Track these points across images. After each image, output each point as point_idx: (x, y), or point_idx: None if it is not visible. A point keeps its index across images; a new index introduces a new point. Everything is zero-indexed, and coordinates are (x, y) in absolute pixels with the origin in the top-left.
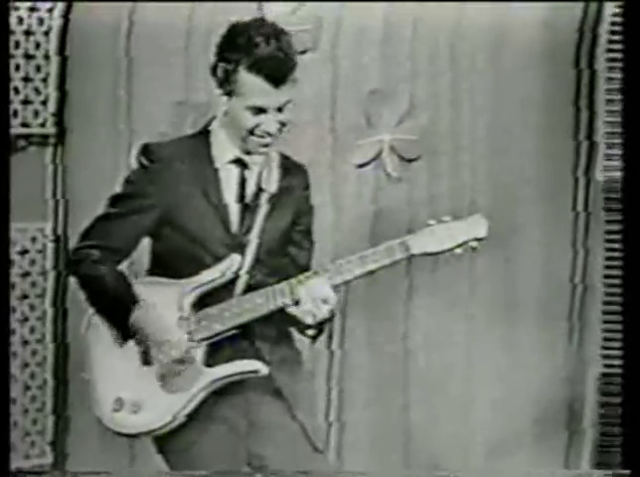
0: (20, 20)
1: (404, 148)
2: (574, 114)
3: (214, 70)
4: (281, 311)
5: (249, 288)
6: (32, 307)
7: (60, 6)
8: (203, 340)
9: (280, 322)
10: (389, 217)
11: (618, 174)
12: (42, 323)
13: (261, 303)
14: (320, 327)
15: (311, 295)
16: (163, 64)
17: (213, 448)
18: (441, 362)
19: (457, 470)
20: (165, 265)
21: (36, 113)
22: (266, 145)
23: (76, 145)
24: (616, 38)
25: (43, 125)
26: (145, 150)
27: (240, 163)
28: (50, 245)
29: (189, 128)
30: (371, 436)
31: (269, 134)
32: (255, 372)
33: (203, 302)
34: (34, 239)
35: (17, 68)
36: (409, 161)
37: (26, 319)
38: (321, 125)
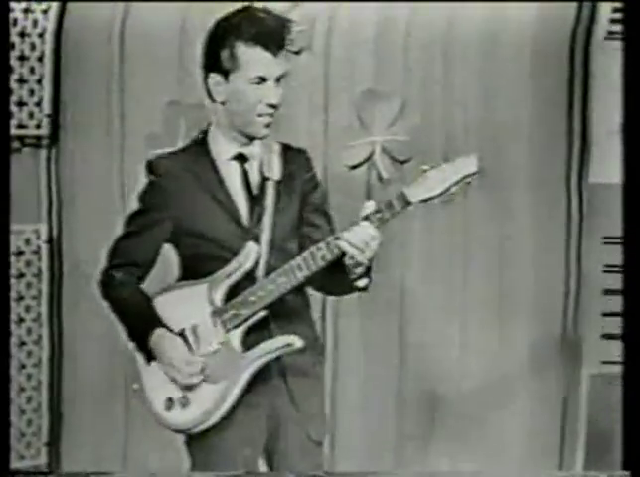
0: (15, 21)
1: (396, 149)
2: (568, 114)
3: (211, 64)
4: (299, 292)
5: (269, 274)
6: (27, 308)
7: (54, 7)
8: (234, 327)
9: (298, 308)
10: None
11: (617, 173)
12: (37, 324)
13: (282, 282)
14: (368, 273)
15: (357, 236)
16: (156, 64)
17: (236, 437)
18: (435, 362)
19: (450, 471)
20: (191, 270)
21: (30, 115)
22: (268, 126)
23: (69, 146)
24: (615, 36)
25: (37, 127)
26: (149, 166)
27: (240, 158)
28: (44, 247)
29: (182, 129)
30: (364, 436)
31: (272, 107)
32: (290, 345)
33: (233, 295)
34: (28, 241)
35: (11, 69)
36: (401, 162)
37: (22, 320)
38: (313, 126)
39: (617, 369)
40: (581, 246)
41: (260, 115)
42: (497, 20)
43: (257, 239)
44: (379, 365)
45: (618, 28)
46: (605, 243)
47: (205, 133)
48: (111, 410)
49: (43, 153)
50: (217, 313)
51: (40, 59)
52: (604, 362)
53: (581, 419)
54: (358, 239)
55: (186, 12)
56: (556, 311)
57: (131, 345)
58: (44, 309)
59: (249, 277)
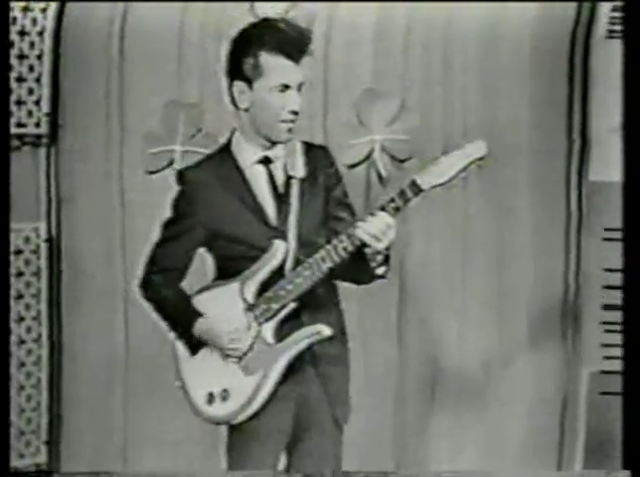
0: (14, 20)
1: (396, 148)
2: (567, 113)
3: (235, 71)
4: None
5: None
6: (27, 307)
7: (53, 6)
8: (266, 320)
9: (327, 300)
10: None
11: (617, 171)
12: (37, 323)
13: (308, 275)
14: (388, 262)
15: (374, 225)
16: (155, 63)
17: (270, 425)
18: (434, 360)
19: (450, 471)
20: (225, 270)
21: (30, 113)
22: (290, 130)
23: (69, 145)
24: (615, 35)
25: (37, 125)
26: (179, 176)
27: (265, 161)
28: (43, 245)
29: (180, 128)
30: (362, 436)
31: (294, 113)
32: (319, 333)
33: (264, 291)
34: (27, 239)
35: (11, 68)
36: (401, 161)
37: (21, 319)
38: (313, 125)
39: (617, 367)
40: (581, 245)
41: (283, 121)
42: (496, 19)
43: (285, 236)
44: (377, 354)
45: (618, 27)
46: (605, 240)
47: (229, 140)
48: (111, 409)
49: (42, 152)
50: (249, 308)
51: (39, 57)
52: (604, 358)
53: (581, 418)
54: (375, 229)
55: (185, 12)
56: (554, 309)
57: (174, 339)
58: (43, 308)
59: (279, 273)
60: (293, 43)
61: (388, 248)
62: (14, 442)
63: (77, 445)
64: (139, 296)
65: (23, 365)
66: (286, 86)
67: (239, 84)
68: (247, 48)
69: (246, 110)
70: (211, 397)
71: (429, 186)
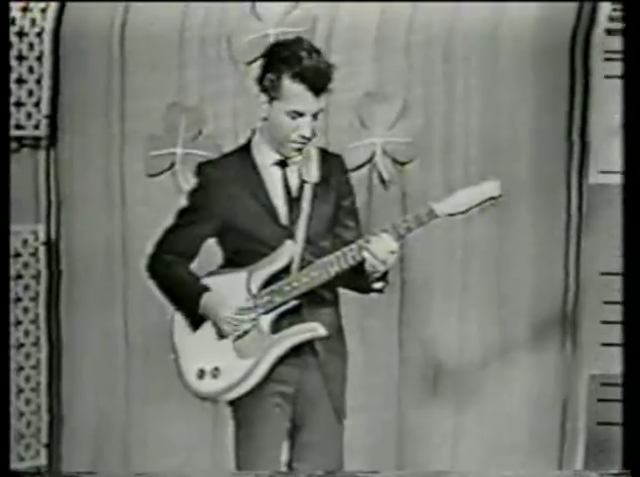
0: (13, 21)
1: (398, 151)
2: (568, 114)
3: (260, 80)
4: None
5: (303, 268)
6: (25, 310)
7: (53, 7)
8: (267, 312)
9: (328, 302)
10: (382, 220)
11: (618, 173)
12: (35, 326)
13: (315, 276)
14: (386, 278)
15: (380, 248)
16: (156, 65)
17: (271, 409)
18: (435, 363)
19: (450, 471)
20: (233, 262)
21: (29, 115)
22: (299, 150)
23: (68, 147)
24: (615, 37)
25: (36, 127)
26: (200, 169)
27: (281, 164)
28: (42, 248)
29: (181, 130)
30: (364, 436)
31: (304, 138)
32: (313, 331)
33: (269, 285)
34: (26, 242)
35: (10, 69)
36: (403, 164)
37: (19, 322)
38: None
39: (617, 369)
40: (581, 247)
41: (293, 141)
42: (497, 20)
43: (294, 237)
44: (378, 359)
45: (618, 27)
46: (605, 242)
47: (249, 140)
48: (111, 411)
49: (41, 154)
50: (252, 298)
51: (39, 59)
52: (604, 360)
53: (581, 419)
54: (380, 252)
55: (186, 13)
56: (554, 311)
57: (178, 315)
58: (42, 311)
59: (285, 271)
60: (317, 77)
61: (387, 270)
62: (14, 445)
63: (76, 447)
64: (145, 277)
65: (22, 368)
66: (300, 114)
67: (261, 97)
68: (274, 65)
69: (265, 119)
70: (202, 373)
71: (444, 214)
